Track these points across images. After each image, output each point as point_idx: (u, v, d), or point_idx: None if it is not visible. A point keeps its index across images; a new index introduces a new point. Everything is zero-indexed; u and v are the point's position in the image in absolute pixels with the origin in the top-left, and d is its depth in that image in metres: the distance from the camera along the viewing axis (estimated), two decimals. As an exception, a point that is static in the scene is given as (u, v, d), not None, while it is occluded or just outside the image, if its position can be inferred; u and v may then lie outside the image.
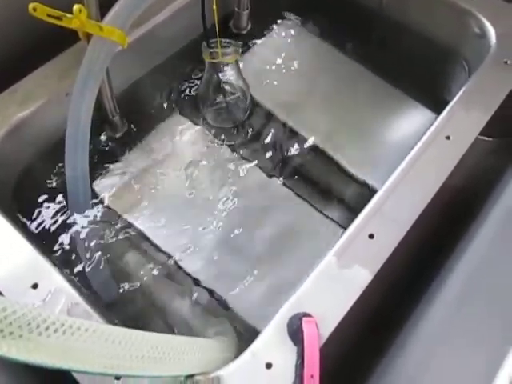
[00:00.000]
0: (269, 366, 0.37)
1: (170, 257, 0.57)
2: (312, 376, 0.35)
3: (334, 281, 0.41)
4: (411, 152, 0.49)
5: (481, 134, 0.88)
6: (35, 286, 0.41)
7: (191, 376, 0.36)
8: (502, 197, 0.52)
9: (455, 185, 0.77)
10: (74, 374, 0.36)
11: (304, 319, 0.37)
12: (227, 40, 0.55)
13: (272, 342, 0.38)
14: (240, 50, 0.57)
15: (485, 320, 0.36)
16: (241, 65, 0.66)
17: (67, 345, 0.26)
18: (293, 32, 0.76)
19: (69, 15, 0.46)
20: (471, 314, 0.39)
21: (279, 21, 0.77)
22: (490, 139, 0.84)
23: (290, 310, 0.39)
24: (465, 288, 0.42)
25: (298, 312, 0.39)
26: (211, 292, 0.54)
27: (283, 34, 0.76)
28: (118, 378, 0.37)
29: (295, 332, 0.37)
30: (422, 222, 0.61)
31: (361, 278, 0.40)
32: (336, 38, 0.75)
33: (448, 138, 0.50)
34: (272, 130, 0.66)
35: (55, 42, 0.54)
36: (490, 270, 0.43)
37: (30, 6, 0.45)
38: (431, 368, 0.35)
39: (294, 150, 0.65)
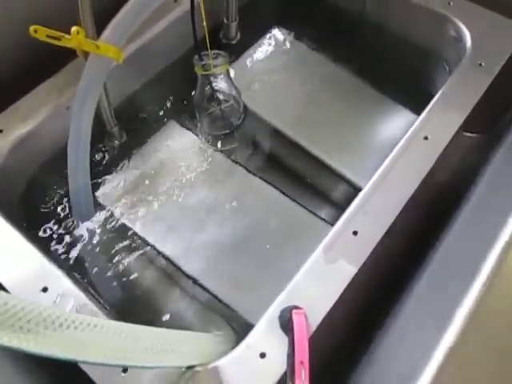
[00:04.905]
0: (263, 355, 0.39)
1: (168, 258, 0.59)
2: (302, 362, 0.37)
3: (321, 275, 0.43)
4: (392, 152, 0.51)
5: (465, 130, 0.91)
6: (45, 290, 0.43)
7: (191, 367, 0.39)
8: (476, 190, 0.55)
9: (440, 180, 0.80)
10: (85, 368, 0.39)
11: (294, 311, 0.40)
12: (216, 51, 0.57)
13: (265, 334, 0.40)
14: (229, 60, 0.59)
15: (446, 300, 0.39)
16: (232, 73, 0.69)
17: (79, 339, 0.28)
18: (280, 40, 0.79)
19: (67, 36, 0.49)
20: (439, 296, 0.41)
21: (267, 30, 0.79)
22: (474, 135, 0.87)
23: (281, 304, 0.41)
24: (437, 275, 0.45)
25: (288, 305, 0.41)
26: (208, 290, 0.57)
27: (271, 42, 0.78)
28: (124, 370, 0.40)
29: (286, 323, 0.40)
30: (406, 218, 0.64)
31: (346, 271, 0.43)
32: (321, 43, 0.77)
33: (426, 138, 0.52)
34: (263, 135, 0.69)
35: (54, 59, 0.56)
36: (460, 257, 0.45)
37: (31, 28, 0.47)
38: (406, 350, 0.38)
39: (284, 152, 0.68)
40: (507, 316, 0.32)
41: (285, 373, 0.38)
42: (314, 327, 0.40)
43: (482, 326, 0.31)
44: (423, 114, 0.55)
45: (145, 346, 0.33)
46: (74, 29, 0.48)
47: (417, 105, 0.70)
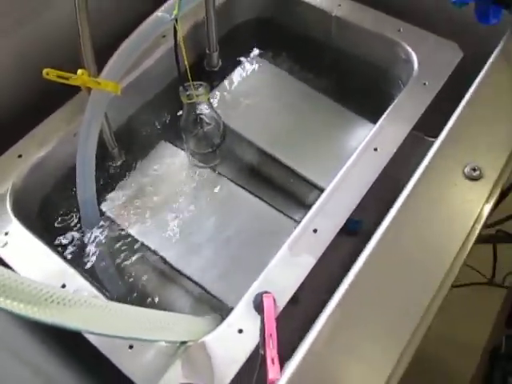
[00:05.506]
0: (240, 331, 0.47)
1: (163, 258, 0.67)
2: (271, 335, 0.44)
3: (286, 266, 0.51)
4: (347, 162, 0.59)
5: (428, 135, 1.00)
6: (64, 286, 0.52)
7: (184, 342, 0.47)
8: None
9: (405, 182, 0.88)
10: (95, 343, 0.47)
11: (264, 295, 0.48)
12: (198, 82, 0.65)
13: (242, 314, 0.48)
14: (209, 89, 0.67)
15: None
16: (215, 96, 0.78)
17: (95, 316, 0.36)
18: (257, 65, 0.86)
19: (74, 75, 0.57)
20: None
21: (245, 57, 0.87)
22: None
23: (255, 290, 0.50)
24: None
25: (260, 290, 0.50)
26: (201, 285, 0.65)
27: (249, 67, 0.86)
28: (130, 347, 0.47)
29: (258, 305, 0.48)
30: (372, 218, 0.72)
31: (306, 263, 0.51)
32: (293, 67, 0.85)
33: (376, 149, 0.60)
34: (243, 150, 0.77)
35: (62, 93, 0.64)
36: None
37: (44, 71, 0.55)
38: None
39: (262, 164, 0.76)
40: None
41: (258, 343, 0.45)
42: (280, 307, 0.49)
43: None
44: (374, 128, 0.62)
45: (144, 326, 0.40)
46: (79, 71, 0.56)
47: (378, 118, 0.79)
